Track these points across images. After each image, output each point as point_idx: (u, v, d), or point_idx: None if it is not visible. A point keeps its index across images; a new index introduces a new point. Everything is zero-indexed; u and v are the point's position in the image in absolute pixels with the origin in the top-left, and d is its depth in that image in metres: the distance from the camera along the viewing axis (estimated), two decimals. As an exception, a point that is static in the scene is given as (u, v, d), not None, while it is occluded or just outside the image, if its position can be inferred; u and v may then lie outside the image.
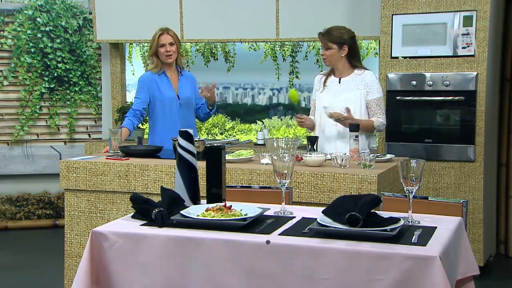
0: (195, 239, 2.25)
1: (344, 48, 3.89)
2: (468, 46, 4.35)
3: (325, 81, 4.02)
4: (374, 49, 5.44)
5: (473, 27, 4.32)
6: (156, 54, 4.33)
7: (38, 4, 5.83)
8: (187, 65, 5.29)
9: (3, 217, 5.90)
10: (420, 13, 4.46)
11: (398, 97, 4.55)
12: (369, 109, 3.91)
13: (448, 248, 2.17)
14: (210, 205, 2.50)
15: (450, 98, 4.43)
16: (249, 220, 2.34)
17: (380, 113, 3.91)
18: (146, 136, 5.87)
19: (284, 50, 5.73)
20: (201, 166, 2.78)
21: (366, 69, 3.97)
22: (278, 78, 5.78)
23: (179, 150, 2.67)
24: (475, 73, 4.33)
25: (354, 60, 3.94)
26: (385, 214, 2.43)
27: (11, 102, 5.87)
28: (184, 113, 4.38)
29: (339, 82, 3.96)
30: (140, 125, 5.60)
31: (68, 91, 5.94)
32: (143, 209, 2.48)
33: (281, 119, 5.82)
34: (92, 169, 3.72)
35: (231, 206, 2.47)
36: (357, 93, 3.90)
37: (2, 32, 5.80)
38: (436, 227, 2.34)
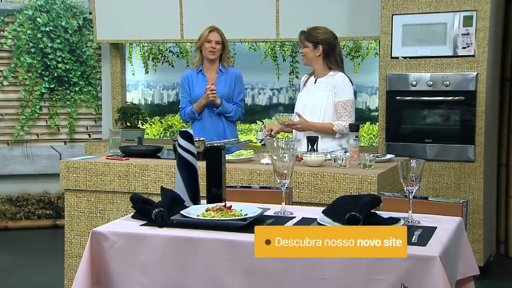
0: (195, 239, 2.25)
1: (318, 48, 3.93)
2: (468, 46, 4.35)
3: (306, 81, 4.11)
4: (374, 49, 5.44)
5: (473, 27, 4.32)
6: (200, 49, 4.43)
7: (38, 4, 5.83)
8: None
9: (3, 217, 5.90)
10: (420, 13, 4.46)
11: (398, 97, 4.55)
12: (337, 111, 3.91)
13: (448, 248, 2.17)
14: (210, 205, 2.50)
15: (450, 98, 4.43)
16: (249, 220, 2.34)
17: (345, 116, 3.88)
18: (146, 136, 5.88)
19: (284, 50, 5.73)
20: (201, 166, 2.78)
21: (341, 71, 3.98)
22: (278, 78, 5.78)
23: (179, 150, 2.67)
24: (475, 73, 4.33)
25: (330, 61, 3.95)
26: (385, 214, 2.43)
27: (11, 102, 5.87)
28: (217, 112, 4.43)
29: (315, 82, 4.01)
30: (140, 125, 5.61)
31: (68, 91, 5.94)
32: (143, 209, 2.48)
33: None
34: (92, 169, 3.72)
35: (231, 206, 2.47)
36: (325, 94, 3.92)
37: (2, 32, 5.80)
38: (436, 227, 2.33)
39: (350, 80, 3.98)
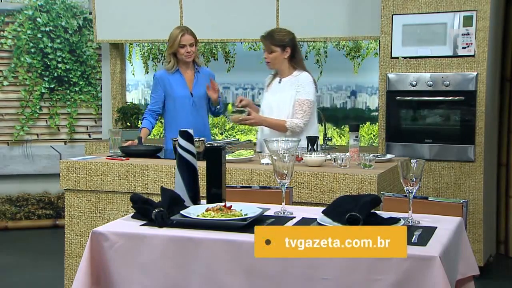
0: (195, 239, 2.25)
1: (287, 50, 3.95)
2: (468, 46, 4.35)
3: (271, 82, 4.12)
4: (374, 49, 5.44)
5: (473, 27, 4.32)
6: (174, 53, 4.34)
7: (38, 4, 5.83)
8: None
9: (3, 217, 5.90)
10: (420, 13, 4.46)
11: (398, 97, 4.55)
12: (293, 108, 3.92)
13: (448, 248, 2.17)
14: (210, 205, 2.50)
15: (450, 98, 4.43)
16: (249, 220, 2.34)
17: (299, 114, 3.88)
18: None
19: (284, 50, 5.72)
20: (201, 166, 2.78)
21: (305, 70, 4.01)
22: (278, 78, 5.77)
23: (179, 150, 2.67)
24: (475, 73, 4.33)
25: (295, 61, 3.98)
26: (385, 214, 2.43)
27: (11, 102, 5.87)
28: (198, 111, 4.39)
29: (279, 82, 4.03)
30: (140, 125, 5.60)
31: (68, 91, 5.94)
32: (143, 209, 2.48)
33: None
34: (92, 169, 3.72)
35: (231, 206, 2.47)
36: (289, 93, 3.94)
37: (2, 32, 5.80)
38: (436, 227, 2.33)
39: (314, 80, 4.01)
